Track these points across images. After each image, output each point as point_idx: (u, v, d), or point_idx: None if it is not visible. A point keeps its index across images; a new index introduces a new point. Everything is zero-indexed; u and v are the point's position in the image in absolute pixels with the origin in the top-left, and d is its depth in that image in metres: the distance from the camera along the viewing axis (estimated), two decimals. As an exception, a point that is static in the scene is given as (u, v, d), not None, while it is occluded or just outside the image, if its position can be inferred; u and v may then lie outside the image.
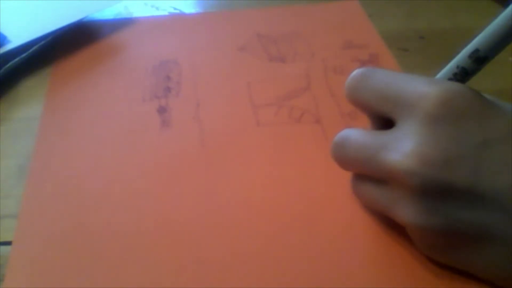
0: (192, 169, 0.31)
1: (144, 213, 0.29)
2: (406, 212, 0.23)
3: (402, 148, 0.23)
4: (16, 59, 0.38)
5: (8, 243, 0.27)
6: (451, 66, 0.25)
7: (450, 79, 0.25)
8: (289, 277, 0.26)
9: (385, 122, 0.25)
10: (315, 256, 0.26)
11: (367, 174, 0.26)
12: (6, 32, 0.39)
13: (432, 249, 0.25)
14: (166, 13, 0.46)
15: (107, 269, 0.26)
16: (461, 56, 0.25)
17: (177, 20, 0.45)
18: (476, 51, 0.24)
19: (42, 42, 0.40)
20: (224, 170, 0.31)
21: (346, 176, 0.28)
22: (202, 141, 0.33)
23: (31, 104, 0.37)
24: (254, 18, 0.45)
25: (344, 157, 0.26)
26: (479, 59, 0.24)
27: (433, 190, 0.22)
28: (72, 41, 0.42)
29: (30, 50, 0.39)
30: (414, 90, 0.23)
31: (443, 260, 0.25)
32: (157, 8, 0.47)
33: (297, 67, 0.39)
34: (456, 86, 0.23)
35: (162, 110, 0.36)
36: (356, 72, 0.26)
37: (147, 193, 0.30)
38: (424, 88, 0.23)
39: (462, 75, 0.25)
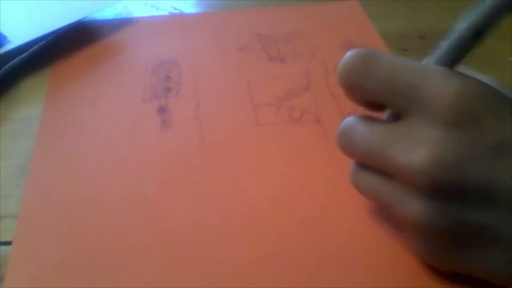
0: (192, 169, 0.31)
1: (144, 213, 0.29)
2: (412, 209, 0.22)
3: (414, 147, 0.22)
4: (16, 59, 0.38)
5: (8, 243, 0.27)
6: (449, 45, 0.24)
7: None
8: (289, 277, 0.26)
9: (382, 109, 0.25)
10: (316, 257, 0.26)
11: (372, 166, 0.25)
12: (6, 32, 0.39)
13: (431, 252, 0.24)
14: (166, 13, 0.46)
15: (107, 269, 0.26)
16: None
17: (177, 20, 0.45)
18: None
19: (42, 42, 0.40)
20: (224, 170, 0.31)
21: (346, 176, 0.28)
22: (202, 141, 0.33)
23: (31, 104, 0.37)
24: (254, 18, 0.45)
25: (349, 146, 0.25)
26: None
27: (445, 191, 0.22)
28: (72, 41, 0.42)
29: (30, 50, 0.39)
30: (428, 87, 0.22)
31: (442, 265, 0.24)
32: (157, 8, 0.47)
33: (297, 67, 0.39)
34: (473, 85, 0.22)
35: (162, 110, 0.36)
36: (353, 54, 0.24)
37: (147, 193, 0.30)
38: (440, 87, 0.22)
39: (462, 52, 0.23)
